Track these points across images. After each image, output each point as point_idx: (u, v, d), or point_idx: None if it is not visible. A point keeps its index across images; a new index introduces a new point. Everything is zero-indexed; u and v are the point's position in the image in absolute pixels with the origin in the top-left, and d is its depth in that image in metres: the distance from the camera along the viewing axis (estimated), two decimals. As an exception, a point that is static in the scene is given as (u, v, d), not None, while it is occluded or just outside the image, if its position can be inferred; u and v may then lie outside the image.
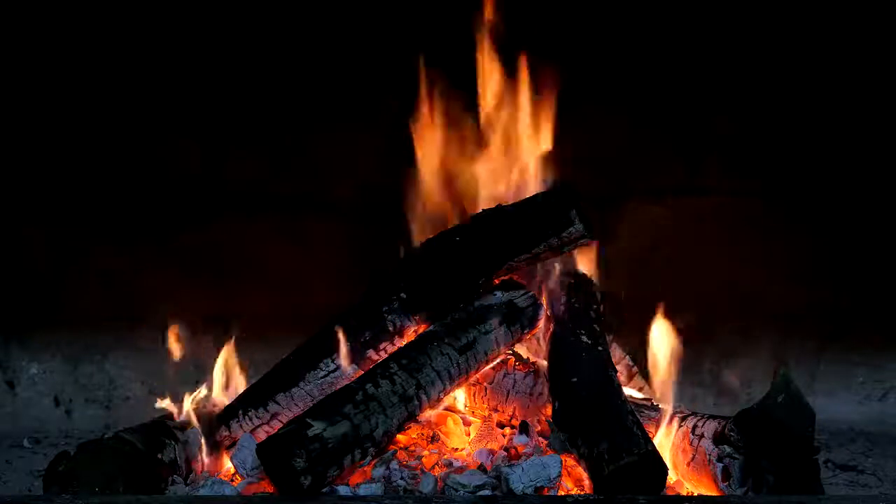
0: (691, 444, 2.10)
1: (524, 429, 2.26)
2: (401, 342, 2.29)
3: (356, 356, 2.28)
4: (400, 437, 2.16)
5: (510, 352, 2.34)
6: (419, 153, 2.60)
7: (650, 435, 2.04)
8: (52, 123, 3.04)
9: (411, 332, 2.30)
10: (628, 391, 2.41)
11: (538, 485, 1.96)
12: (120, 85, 3.02)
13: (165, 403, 2.28)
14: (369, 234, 3.03)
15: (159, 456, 2.08)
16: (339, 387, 2.15)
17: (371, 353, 2.29)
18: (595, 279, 2.54)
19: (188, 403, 2.28)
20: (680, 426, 2.16)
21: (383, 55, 3.00)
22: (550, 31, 2.95)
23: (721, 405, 3.01)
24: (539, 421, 2.27)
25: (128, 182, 3.08)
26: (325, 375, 2.27)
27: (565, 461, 2.04)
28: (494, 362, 2.30)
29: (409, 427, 2.17)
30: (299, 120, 3.06)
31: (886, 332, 3.11)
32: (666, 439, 2.16)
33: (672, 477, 2.10)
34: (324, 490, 1.94)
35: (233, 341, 2.41)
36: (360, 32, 3.01)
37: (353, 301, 2.39)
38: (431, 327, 2.25)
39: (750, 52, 3.03)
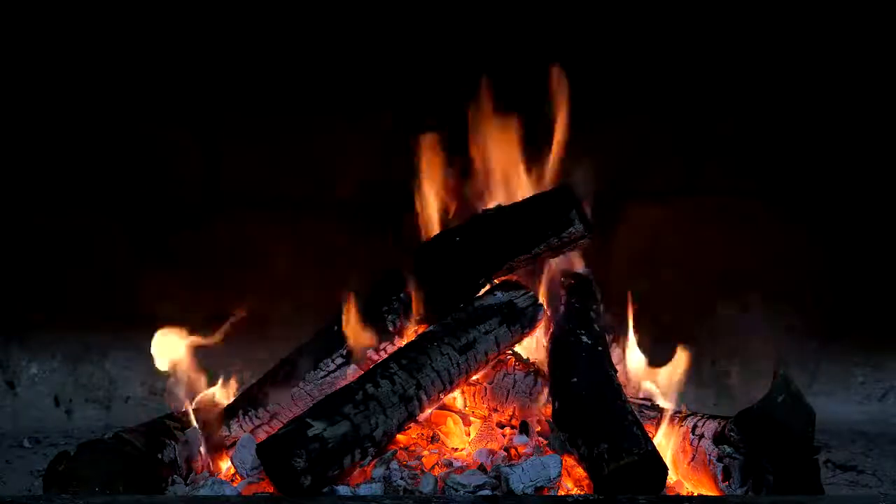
0: (691, 444, 2.10)
1: (524, 429, 2.26)
2: (401, 342, 2.29)
3: (356, 356, 2.28)
4: (400, 437, 2.16)
5: (510, 352, 2.34)
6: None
7: (650, 435, 2.04)
8: (53, 122, 3.04)
9: (411, 332, 2.30)
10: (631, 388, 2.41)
11: (538, 485, 1.96)
12: (120, 85, 3.02)
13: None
14: (369, 234, 3.03)
15: (159, 456, 2.08)
16: (339, 387, 2.15)
17: (371, 353, 2.29)
18: (595, 279, 2.54)
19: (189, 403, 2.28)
20: (680, 426, 2.16)
21: (383, 54, 3.00)
22: (552, 32, 2.96)
23: (721, 405, 3.01)
24: (539, 421, 2.27)
25: (129, 182, 3.08)
26: (325, 375, 2.27)
27: (565, 461, 2.04)
28: (494, 362, 2.30)
29: (409, 427, 2.17)
30: (299, 120, 3.06)
31: (886, 332, 3.11)
32: (666, 439, 2.16)
33: (672, 477, 2.10)
34: (324, 490, 1.94)
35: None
36: (360, 32, 3.01)
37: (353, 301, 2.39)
38: (431, 327, 2.25)
39: (750, 53, 3.03)
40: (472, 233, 2.34)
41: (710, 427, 2.08)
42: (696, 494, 2.06)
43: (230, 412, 2.29)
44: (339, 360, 2.28)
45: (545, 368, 2.29)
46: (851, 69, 3.03)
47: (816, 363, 3.13)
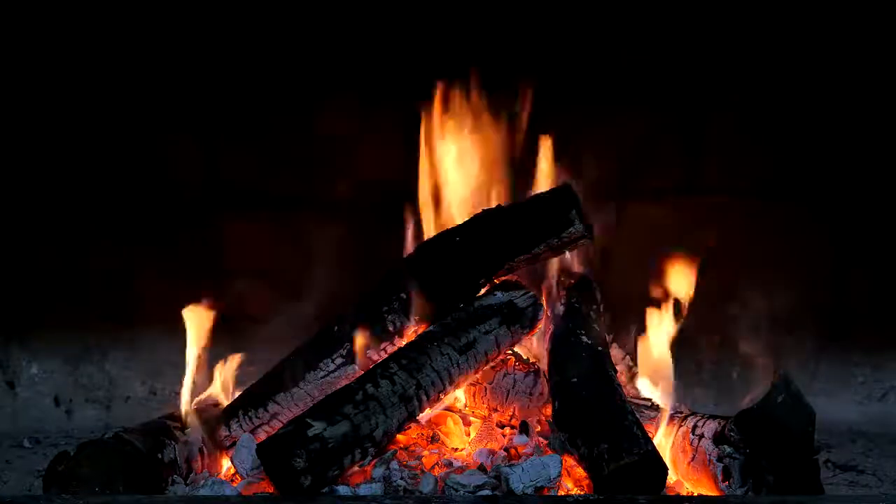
0: (691, 444, 2.10)
1: (524, 429, 2.26)
2: (401, 342, 2.29)
3: (356, 356, 2.28)
4: (400, 437, 2.16)
5: (510, 352, 2.34)
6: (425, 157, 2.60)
7: (650, 435, 2.04)
8: (51, 123, 3.04)
9: (411, 332, 2.30)
10: (631, 388, 2.42)
11: (538, 485, 1.96)
12: (119, 86, 3.02)
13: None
14: (369, 233, 3.03)
15: (159, 456, 2.08)
16: (339, 387, 2.15)
17: (371, 353, 2.29)
18: (595, 279, 2.54)
19: (189, 403, 2.28)
20: (680, 426, 2.16)
21: (383, 55, 3.00)
22: (550, 31, 2.96)
23: (721, 405, 3.01)
24: (539, 421, 2.27)
25: (128, 182, 3.08)
26: (325, 375, 2.27)
27: (565, 461, 2.04)
28: (494, 362, 2.30)
29: (409, 427, 2.17)
30: (299, 120, 3.06)
31: (886, 332, 3.11)
32: (666, 439, 2.16)
33: (672, 477, 2.10)
34: (324, 490, 1.94)
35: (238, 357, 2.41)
36: (360, 32, 3.01)
37: (353, 301, 2.39)
38: (431, 327, 2.25)
39: (750, 53, 3.03)
40: (472, 233, 2.34)
41: (710, 427, 2.08)
42: (696, 494, 2.06)
43: (230, 412, 2.29)
44: (339, 360, 2.28)
45: (545, 368, 2.29)
46: (851, 68, 3.03)
47: (816, 363, 3.13)
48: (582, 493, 2.02)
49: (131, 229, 3.08)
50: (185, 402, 2.27)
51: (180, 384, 2.32)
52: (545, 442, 2.18)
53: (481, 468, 2.06)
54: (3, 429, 2.95)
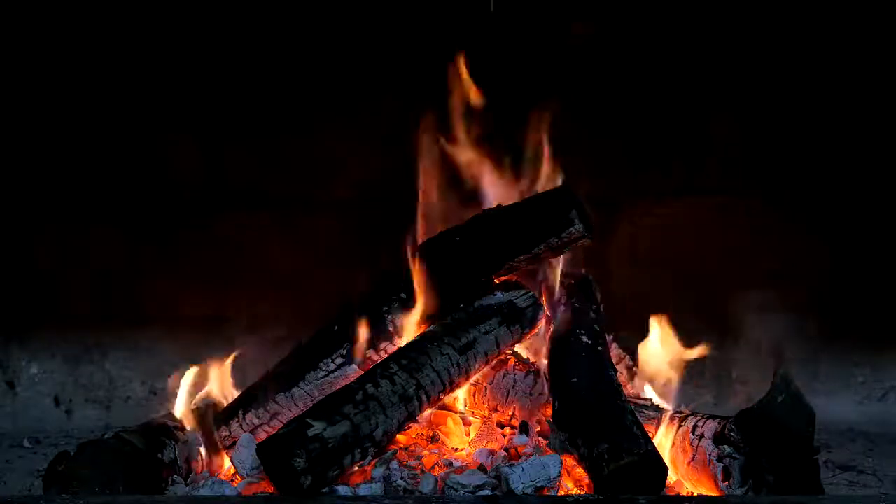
0: (691, 444, 2.10)
1: (524, 429, 2.26)
2: (401, 342, 2.29)
3: (356, 356, 2.28)
4: (400, 437, 2.16)
5: (510, 352, 2.34)
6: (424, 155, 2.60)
7: (650, 435, 2.04)
8: (52, 123, 3.04)
9: (411, 333, 2.30)
10: (631, 388, 2.42)
11: (538, 485, 1.96)
12: (120, 86, 3.03)
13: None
14: (369, 233, 3.03)
15: (159, 456, 2.08)
16: (338, 387, 2.15)
17: (371, 353, 2.29)
18: (595, 279, 2.54)
19: (189, 403, 2.28)
20: (680, 426, 2.16)
21: (383, 54, 3.00)
22: (549, 31, 2.96)
23: (721, 405, 3.02)
24: (539, 421, 2.27)
25: (128, 182, 3.08)
26: (325, 375, 2.27)
27: (565, 461, 2.04)
28: (494, 362, 2.30)
29: (409, 427, 2.17)
30: (299, 120, 3.06)
31: (886, 332, 3.11)
32: (666, 439, 2.16)
33: (672, 477, 2.10)
34: (324, 490, 1.94)
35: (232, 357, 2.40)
36: (359, 31, 3.01)
37: (352, 301, 2.39)
38: (431, 327, 2.25)
39: (750, 54, 3.03)
40: (473, 233, 2.34)
41: (710, 427, 2.08)
42: (696, 494, 2.06)
43: (230, 412, 2.29)
44: (339, 360, 2.29)
45: (545, 368, 2.29)
46: (851, 68, 3.03)
47: (816, 363, 3.13)
48: (582, 493, 2.02)
49: (132, 229, 3.08)
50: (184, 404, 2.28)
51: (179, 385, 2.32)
52: (545, 442, 2.18)
53: (481, 468, 2.06)
54: (3, 429, 2.96)
